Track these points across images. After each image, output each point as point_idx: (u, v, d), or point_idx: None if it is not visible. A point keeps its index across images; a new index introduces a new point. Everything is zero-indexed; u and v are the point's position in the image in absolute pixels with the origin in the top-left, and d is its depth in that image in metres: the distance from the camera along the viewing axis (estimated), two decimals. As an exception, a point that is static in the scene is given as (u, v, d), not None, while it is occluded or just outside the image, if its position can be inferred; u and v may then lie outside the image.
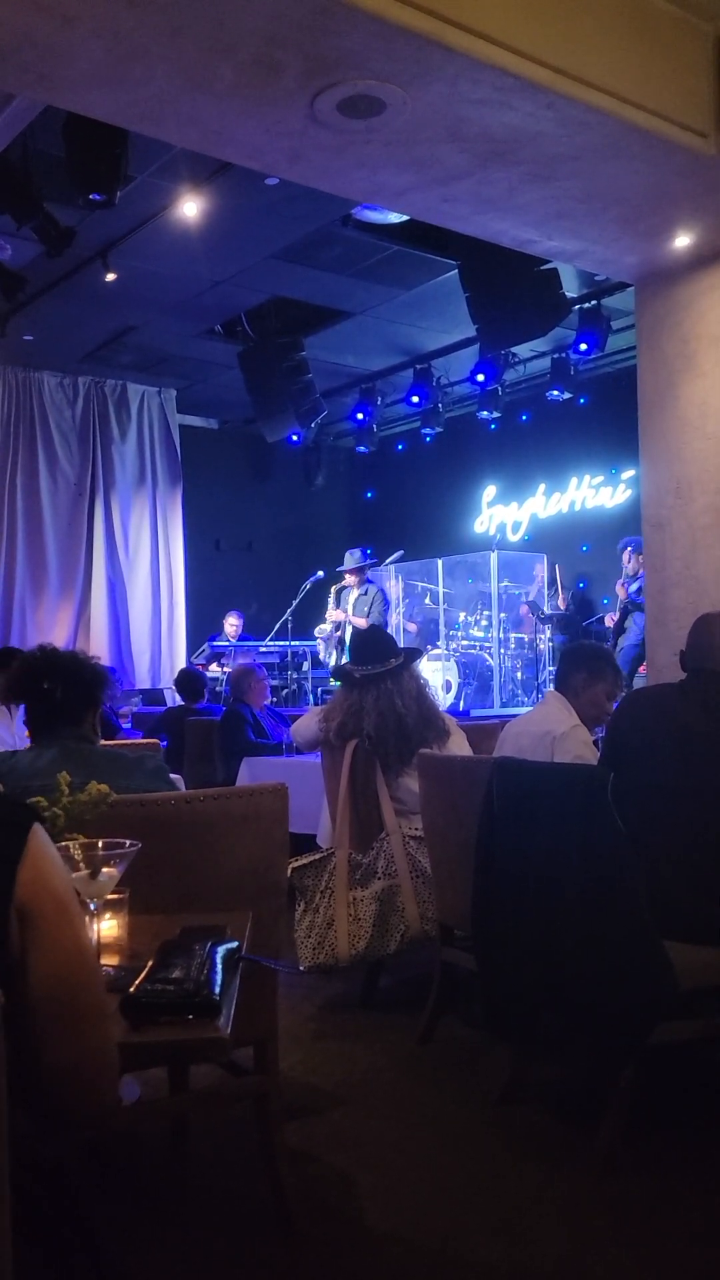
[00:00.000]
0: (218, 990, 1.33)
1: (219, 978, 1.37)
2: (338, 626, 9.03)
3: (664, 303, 5.45)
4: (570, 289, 7.48)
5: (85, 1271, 1.08)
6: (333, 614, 9.07)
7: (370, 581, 9.13)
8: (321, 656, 9.34)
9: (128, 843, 1.55)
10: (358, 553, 9.07)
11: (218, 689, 8.26)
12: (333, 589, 9.17)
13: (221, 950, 1.46)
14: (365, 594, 8.99)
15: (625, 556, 8.32)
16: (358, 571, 8.98)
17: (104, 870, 1.52)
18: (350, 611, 8.90)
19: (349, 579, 9.03)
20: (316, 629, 9.34)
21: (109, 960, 1.55)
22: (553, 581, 9.34)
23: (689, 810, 2.57)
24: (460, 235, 5.26)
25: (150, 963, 1.42)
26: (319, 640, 9.33)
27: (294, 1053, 3.11)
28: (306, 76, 3.61)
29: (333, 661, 8.89)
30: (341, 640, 8.85)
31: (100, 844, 1.53)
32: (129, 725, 7.42)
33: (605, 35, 3.88)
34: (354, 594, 8.99)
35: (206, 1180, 2.46)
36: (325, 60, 3.52)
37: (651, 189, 4.50)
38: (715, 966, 2.49)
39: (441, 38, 3.43)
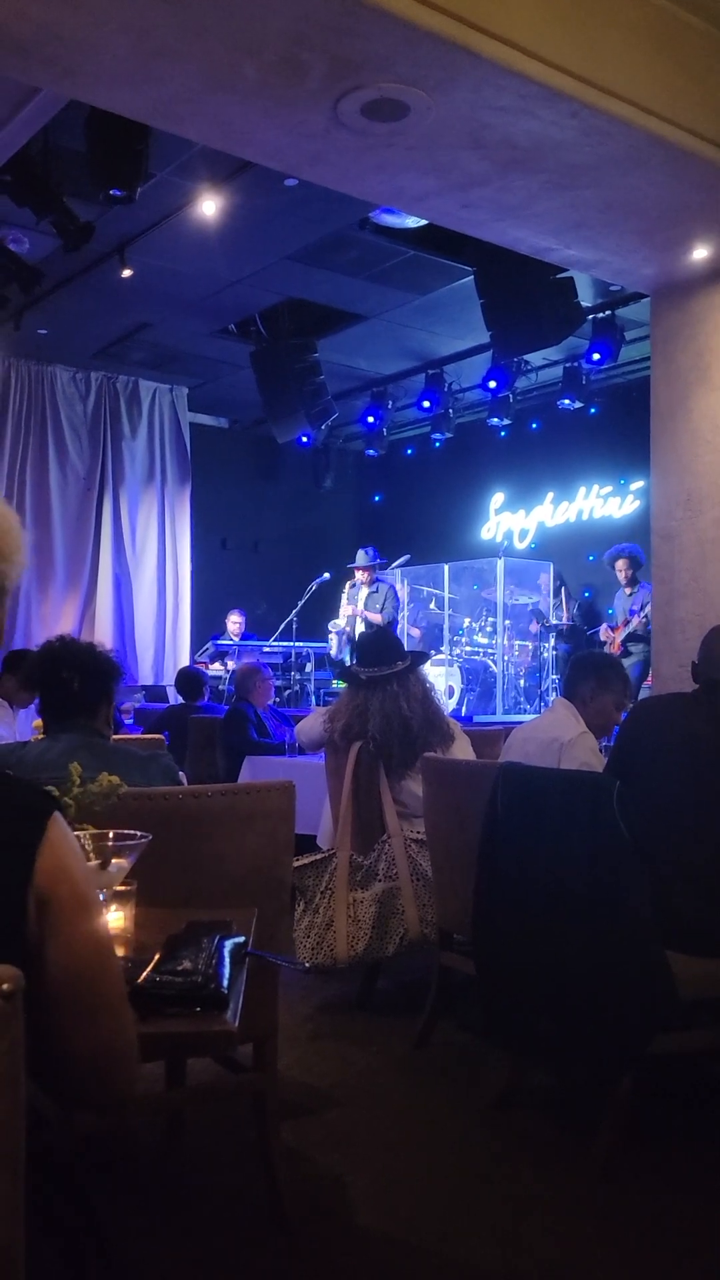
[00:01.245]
0: (226, 983, 1.34)
1: (227, 971, 1.37)
2: (350, 622, 9.06)
3: (679, 315, 5.45)
4: (585, 298, 7.49)
5: (94, 1263, 1.08)
6: (346, 609, 9.10)
7: (381, 580, 9.16)
8: (332, 652, 9.34)
9: (138, 834, 1.56)
10: (371, 550, 9.12)
11: (220, 687, 8.26)
12: (346, 585, 9.20)
13: (229, 944, 1.46)
14: (377, 591, 9.03)
15: (619, 566, 8.22)
16: (368, 569, 9.01)
17: (114, 861, 1.52)
18: (362, 607, 8.93)
19: (360, 575, 9.07)
20: (331, 623, 9.34)
21: (117, 952, 1.55)
22: (558, 592, 9.34)
23: (697, 822, 2.56)
24: (476, 241, 5.26)
25: (158, 955, 1.42)
26: (331, 634, 9.33)
27: (290, 1052, 3.11)
28: (331, 78, 3.62)
29: (343, 657, 8.92)
30: (351, 636, 8.87)
31: (111, 835, 1.54)
32: (131, 721, 7.43)
33: (630, 46, 3.88)
34: (364, 591, 9.03)
35: (201, 1176, 2.46)
36: (350, 62, 3.53)
37: (671, 201, 4.50)
38: (716, 978, 2.49)
39: (468, 43, 3.44)
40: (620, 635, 8.16)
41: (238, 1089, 2.38)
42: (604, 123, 3.87)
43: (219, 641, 9.45)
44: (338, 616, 9.30)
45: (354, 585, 9.16)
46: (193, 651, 10.43)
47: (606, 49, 3.79)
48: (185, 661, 10.05)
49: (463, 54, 3.46)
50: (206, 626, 10.38)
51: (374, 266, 7.51)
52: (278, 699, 7.62)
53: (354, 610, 9.02)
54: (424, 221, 6.05)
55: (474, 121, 3.88)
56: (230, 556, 11.41)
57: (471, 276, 7.30)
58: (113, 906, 1.59)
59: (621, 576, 8.21)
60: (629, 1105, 2.46)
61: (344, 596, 9.22)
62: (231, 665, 8.60)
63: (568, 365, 9.01)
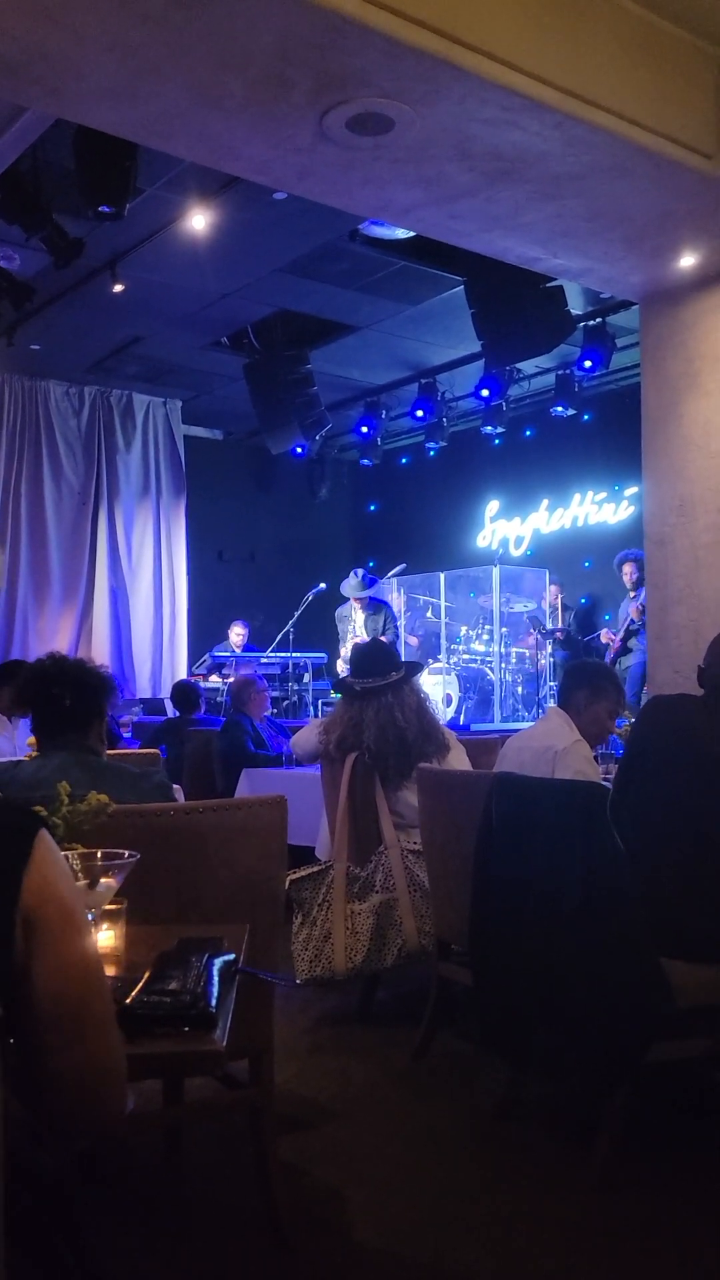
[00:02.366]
0: (214, 1002, 1.34)
1: (215, 990, 1.37)
2: None
3: (668, 322, 5.48)
4: (575, 306, 7.51)
5: None
6: (351, 641, 8.99)
7: (375, 600, 9.07)
8: None
9: (126, 853, 1.56)
10: (358, 576, 8.95)
11: (217, 700, 8.25)
12: (347, 612, 9.07)
13: (218, 962, 1.47)
14: (375, 613, 8.91)
15: (626, 570, 8.30)
16: (360, 598, 8.93)
17: (102, 880, 1.52)
18: (364, 635, 8.83)
19: (353, 602, 8.99)
20: (339, 662, 9.22)
21: (105, 971, 1.56)
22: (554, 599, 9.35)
23: (699, 827, 2.56)
24: (466, 251, 5.29)
25: (147, 974, 1.42)
26: (340, 666, 9.20)
27: (289, 1066, 3.11)
28: (316, 93, 3.64)
29: None
30: None
31: (99, 854, 1.54)
32: (129, 734, 7.42)
33: (613, 57, 3.91)
34: (361, 616, 8.94)
35: (199, 1192, 2.46)
36: (335, 78, 3.55)
37: (657, 209, 4.52)
38: (712, 985, 2.49)
39: (450, 57, 3.46)
40: (620, 634, 8.24)
41: (234, 1105, 2.37)
42: (588, 133, 3.89)
43: (217, 653, 9.43)
44: (343, 646, 9.14)
45: (347, 612, 9.08)
46: (190, 664, 10.42)
47: (589, 60, 3.81)
48: (183, 674, 10.05)
49: (445, 68, 3.48)
50: (203, 638, 10.37)
51: (365, 277, 7.54)
52: (275, 710, 7.61)
53: (357, 642, 8.88)
54: (413, 233, 6.07)
55: (459, 134, 3.90)
56: (226, 568, 11.41)
57: (462, 286, 7.33)
58: (103, 925, 1.59)
59: (628, 581, 8.27)
60: (626, 1114, 2.46)
61: (349, 630, 9.08)
62: (231, 677, 8.55)
63: (560, 373, 9.03)
